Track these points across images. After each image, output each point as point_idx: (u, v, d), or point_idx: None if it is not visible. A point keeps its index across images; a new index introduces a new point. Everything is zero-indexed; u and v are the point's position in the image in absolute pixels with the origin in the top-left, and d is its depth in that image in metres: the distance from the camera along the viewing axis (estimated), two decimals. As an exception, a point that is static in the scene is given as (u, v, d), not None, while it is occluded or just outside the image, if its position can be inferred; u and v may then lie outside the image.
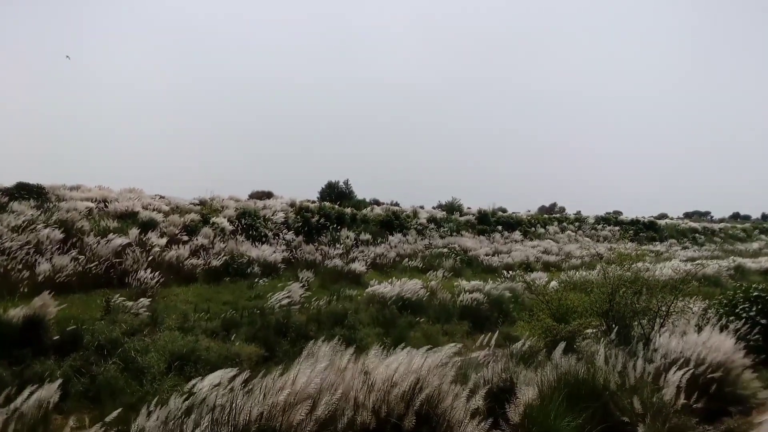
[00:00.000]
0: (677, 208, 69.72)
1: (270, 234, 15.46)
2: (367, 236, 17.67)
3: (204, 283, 10.56)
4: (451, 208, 26.59)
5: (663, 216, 45.29)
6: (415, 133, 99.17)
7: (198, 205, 16.60)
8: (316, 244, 15.85)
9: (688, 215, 55.23)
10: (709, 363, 4.72)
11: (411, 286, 9.71)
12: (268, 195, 22.11)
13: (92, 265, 9.50)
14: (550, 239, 24.74)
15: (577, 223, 30.20)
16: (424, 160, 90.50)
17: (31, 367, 5.05)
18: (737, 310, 6.63)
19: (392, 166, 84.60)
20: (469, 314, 9.29)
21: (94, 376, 5.04)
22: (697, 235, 33.55)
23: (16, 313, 5.71)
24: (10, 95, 60.80)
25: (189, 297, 9.06)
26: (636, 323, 5.98)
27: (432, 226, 21.80)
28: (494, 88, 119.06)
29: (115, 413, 3.00)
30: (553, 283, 9.86)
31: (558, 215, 33.63)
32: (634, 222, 32.57)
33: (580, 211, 37.19)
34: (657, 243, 28.29)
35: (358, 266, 12.65)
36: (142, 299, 7.62)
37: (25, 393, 3.12)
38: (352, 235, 17.36)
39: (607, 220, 32.46)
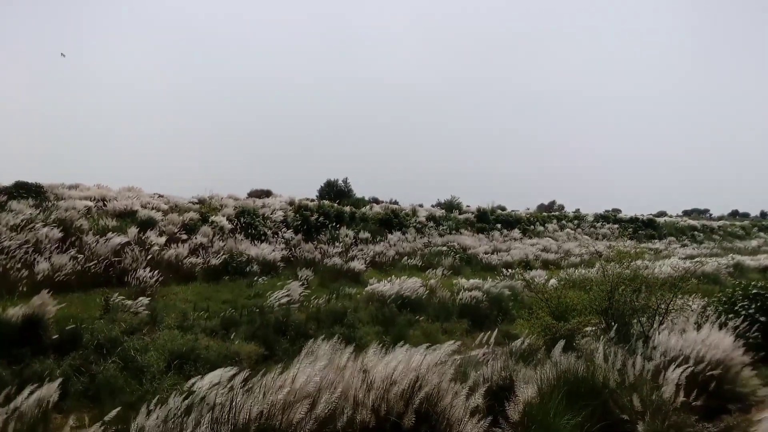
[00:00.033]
0: (676, 206, 69.99)
1: (269, 232, 15.46)
2: (366, 235, 17.67)
3: (203, 281, 10.55)
4: (450, 206, 26.60)
5: (662, 214, 45.36)
6: (414, 132, 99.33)
7: (197, 203, 16.59)
8: (315, 242, 15.85)
9: (687, 213, 55.28)
10: (709, 361, 4.72)
11: (410, 285, 9.71)
12: (267, 194, 22.10)
13: (91, 264, 9.49)
14: (549, 237, 24.77)
15: (576, 221, 30.23)
16: (423, 158, 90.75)
17: (31, 366, 5.05)
18: (736, 308, 6.62)
19: (391, 164, 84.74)
20: (468, 312, 9.29)
21: (94, 375, 5.04)
22: (695, 232, 33.61)
23: (15, 312, 5.70)
24: (10, 95, 60.73)
25: (188, 296, 9.06)
26: (635, 321, 5.98)
27: (431, 224, 21.81)
28: (493, 87, 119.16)
29: (114, 412, 2.99)
30: (553, 281, 9.88)
31: (557, 213, 33.64)
32: (633, 220, 32.61)
33: (579, 209, 37.29)
34: (656, 241, 28.33)
35: (358, 264, 12.65)
36: (141, 298, 7.62)
37: (25, 392, 3.11)
38: (351, 233, 17.36)
39: (606, 218, 32.50)
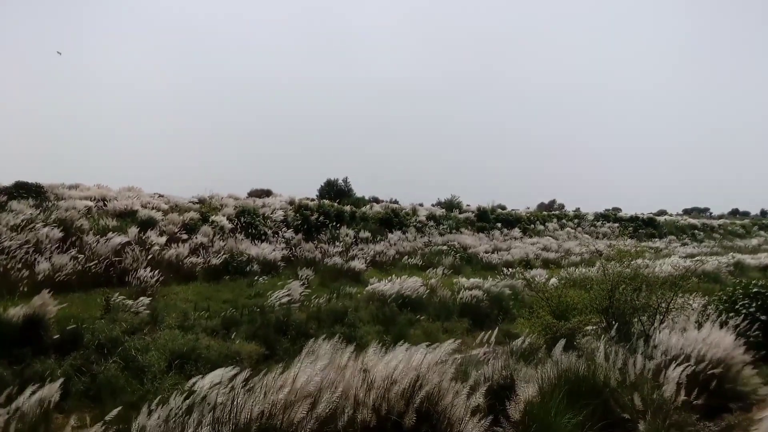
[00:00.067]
0: (676, 205, 70.03)
1: (269, 232, 15.45)
2: (367, 234, 17.67)
3: (204, 281, 10.55)
4: (451, 205, 26.60)
5: (662, 213, 45.37)
6: (414, 131, 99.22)
7: (197, 203, 16.60)
8: (315, 242, 15.84)
9: (687, 212, 55.25)
10: (709, 359, 4.72)
11: (411, 284, 9.71)
12: (267, 193, 22.10)
13: (92, 263, 9.49)
14: (550, 236, 24.77)
15: (576, 220, 30.23)
16: (423, 158, 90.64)
17: (32, 366, 5.05)
18: (737, 307, 6.62)
19: (391, 164, 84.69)
20: (469, 311, 9.30)
21: (95, 375, 5.04)
22: (696, 231, 33.59)
23: (16, 312, 5.71)
24: (10, 95, 60.71)
25: (189, 295, 9.06)
26: (636, 320, 5.98)
27: (431, 223, 21.80)
28: (493, 86, 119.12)
29: (115, 411, 3.00)
30: (553, 280, 9.88)
31: (557, 212, 33.63)
32: (634, 219, 32.60)
33: (579, 208, 37.27)
34: (656, 240, 28.34)
35: (358, 264, 12.65)
36: (141, 298, 7.62)
37: (27, 392, 3.12)
38: (351, 232, 17.35)
39: (606, 217, 32.49)
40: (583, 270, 9.54)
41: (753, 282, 7.07)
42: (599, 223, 30.46)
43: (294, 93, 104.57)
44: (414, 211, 22.68)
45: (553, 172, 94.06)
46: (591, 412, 3.74)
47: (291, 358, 3.87)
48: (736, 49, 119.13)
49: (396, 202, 27.06)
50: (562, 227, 27.78)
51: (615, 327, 5.51)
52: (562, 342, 4.62)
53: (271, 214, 16.72)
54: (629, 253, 6.91)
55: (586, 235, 27.10)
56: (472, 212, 25.30)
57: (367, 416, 3.07)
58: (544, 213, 31.43)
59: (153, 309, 7.36)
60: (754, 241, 31.07)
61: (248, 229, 14.95)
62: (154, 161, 67.68)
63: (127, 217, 13.21)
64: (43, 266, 8.69)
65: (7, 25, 62.19)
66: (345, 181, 28.38)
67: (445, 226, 21.78)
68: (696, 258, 17.76)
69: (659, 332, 5.35)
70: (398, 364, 3.42)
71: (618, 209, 41.13)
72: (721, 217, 51.16)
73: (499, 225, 24.39)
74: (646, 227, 31.07)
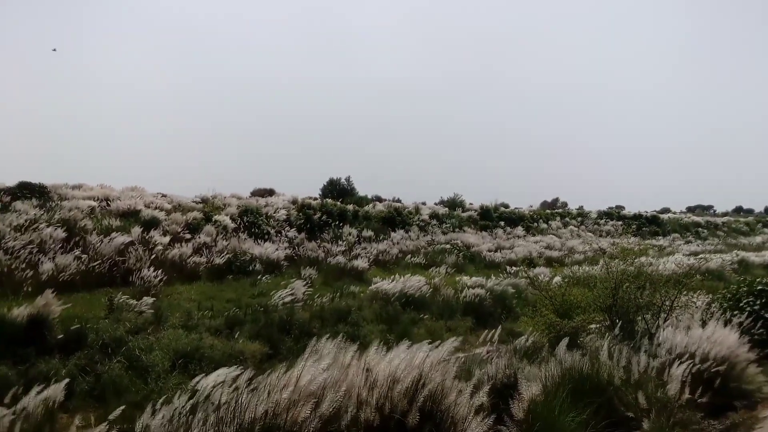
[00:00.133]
0: (680, 203, 69.74)
1: (272, 231, 15.47)
2: (370, 233, 17.67)
3: (207, 281, 10.57)
4: (453, 204, 26.55)
5: (666, 210, 45.15)
6: (417, 130, 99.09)
7: (200, 203, 16.62)
8: (318, 241, 15.85)
9: (690, 209, 55.05)
10: (714, 357, 4.70)
11: (414, 283, 9.72)
12: (270, 192, 22.13)
13: (95, 263, 9.53)
14: (553, 235, 24.71)
15: (579, 218, 30.14)
16: (426, 156, 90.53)
17: (36, 366, 5.07)
18: (741, 304, 6.59)
19: (394, 163, 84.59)
20: (472, 310, 9.30)
21: (99, 375, 5.06)
22: (700, 229, 33.45)
23: (20, 312, 5.74)
24: (11, 95, 60.93)
25: (192, 295, 9.09)
26: (640, 318, 5.97)
27: (434, 222, 21.78)
28: (494, 86, 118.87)
29: (119, 411, 3.01)
30: (556, 279, 9.86)
31: (560, 210, 33.50)
32: (637, 217, 32.50)
33: (582, 206, 37.04)
34: (660, 237, 28.24)
35: (361, 263, 12.66)
36: (145, 297, 7.65)
37: (32, 392, 3.13)
38: (354, 231, 17.36)
39: (609, 214, 32.37)
40: (587, 268, 9.49)
41: (757, 279, 7.04)
42: (602, 221, 30.36)
43: (294, 93, 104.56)
44: (417, 210, 22.67)
45: (554, 171, 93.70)
46: (595, 410, 3.74)
47: (294, 357, 3.89)
48: (736, 49, 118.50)
49: (399, 200, 27.06)
50: (565, 225, 27.71)
51: (619, 325, 5.50)
52: (565, 340, 4.60)
53: (274, 213, 16.74)
54: (633, 251, 6.89)
55: (590, 234, 27.02)
56: (475, 211, 25.26)
57: (370, 415, 3.07)
58: (547, 211, 31.32)
59: (157, 309, 7.38)
60: (758, 239, 30.88)
61: (251, 229, 14.96)
62: (155, 161, 67.85)
63: (130, 216, 13.25)
64: (46, 266, 8.72)
65: (7, 25, 62.38)
66: (348, 180, 28.43)
67: (447, 225, 21.75)
68: (700, 256, 17.70)
69: (663, 330, 5.33)
70: (400, 363, 3.42)
71: (621, 207, 40.96)
72: (725, 214, 50.94)
73: (502, 223, 24.33)
74: (650, 225, 30.97)
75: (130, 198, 14.82)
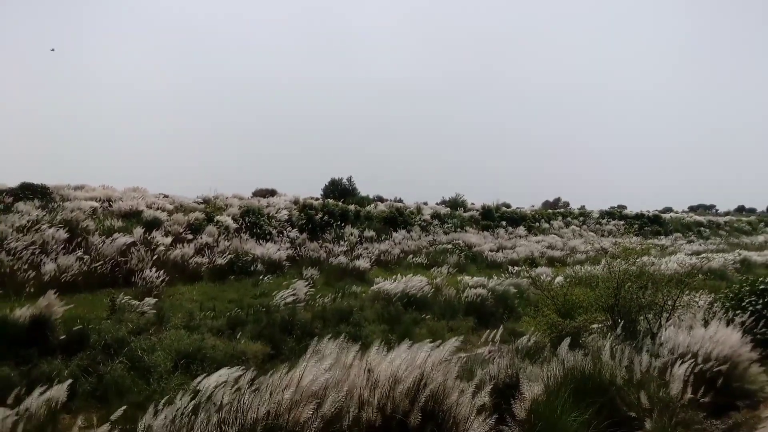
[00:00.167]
0: (682, 202, 69.55)
1: (274, 232, 15.49)
2: (371, 233, 17.67)
3: (209, 281, 10.59)
4: (455, 204, 26.53)
5: (667, 210, 45.02)
6: (418, 130, 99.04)
7: (202, 203, 16.64)
8: (320, 241, 15.86)
9: (692, 209, 54.90)
10: (716, 357, 4.69)
11: (416, 283, 9.71)
12: (272, 193, 22.14)
13: (97, 264, 9.55)
14: (555, 234, 24.68)
15: (581, 218, 30.09)
16: (427, 156, 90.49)
17: (39, 366, 5.08)
18: (743, 304, 6.57)
19: (395, 163, 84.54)
20: (474, 310, 9.28)
21: (102, 376, 5.07)
22: (702, 228, 33.37)
23: (23, 312, 5.75)
24: (11, 95, 61.07)
25: (194, 295, 9.10)
26: (642, 318, 5.96)
27: (436, 222, 21.77)
28: (494, 86, 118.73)
29: (120, 411, 3.01)
30: (558, 279, 9.84)
31: (562, 210, 33.45)
32: (639, 216, 32.45)
33: (584, 206, 37.02)
34: (662, 237, 28.19)
35: (363, 263, 12.66)
36: (147, 298, 7.66)
37: (35, 393, 3.14)
38: (356, 232, 17.37)
39: (611, 214, 32.31)
40: (589, 268, 9.47)
41: (760, 279, 7.02)
42: (604, 221, 30.31)
43: (294, 93, 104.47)
44: (418, 210, 22.66)
45: (555, 171, 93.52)
46: (597, 410, 3.73)
47: (296, 358, 3.88)
48: (736, 49, 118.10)
49: (400, 200, 27.04)
50: (567, 225, 27.67)
51: (621, 325, 5.48)
52: (567, 340, 4.61)
53: (276, 213, 16.76)
54: (635, 251, 6.87)
55: (592, 233, 26.99)
56: (477, 211, 25.25)
57: (372, 415, 3.07)
58: (549, 211, 31.28)
59: (159, 309, 7.39)
60: (761, 238, 30.79)
61: (253, 229, 14.99)
62: (156, 161, 67.89)
63: (132, 217, 13.27)
64: (49, 267, 8.74)
65: (7, 25, 62.46)
66: (349, 180, 28.43)
67: (449, 225, 21.74)
68: (702, 255, 17.66)
69: (665, 330, 5.33)
70: (402, 363, 3.42)
71: (623, 207, 40.89)
72: (727, 214, 50.80)
73: (503, 223, 24.32)
74: (652, 225, 30.92)
75: (132, 198, 14.85)
